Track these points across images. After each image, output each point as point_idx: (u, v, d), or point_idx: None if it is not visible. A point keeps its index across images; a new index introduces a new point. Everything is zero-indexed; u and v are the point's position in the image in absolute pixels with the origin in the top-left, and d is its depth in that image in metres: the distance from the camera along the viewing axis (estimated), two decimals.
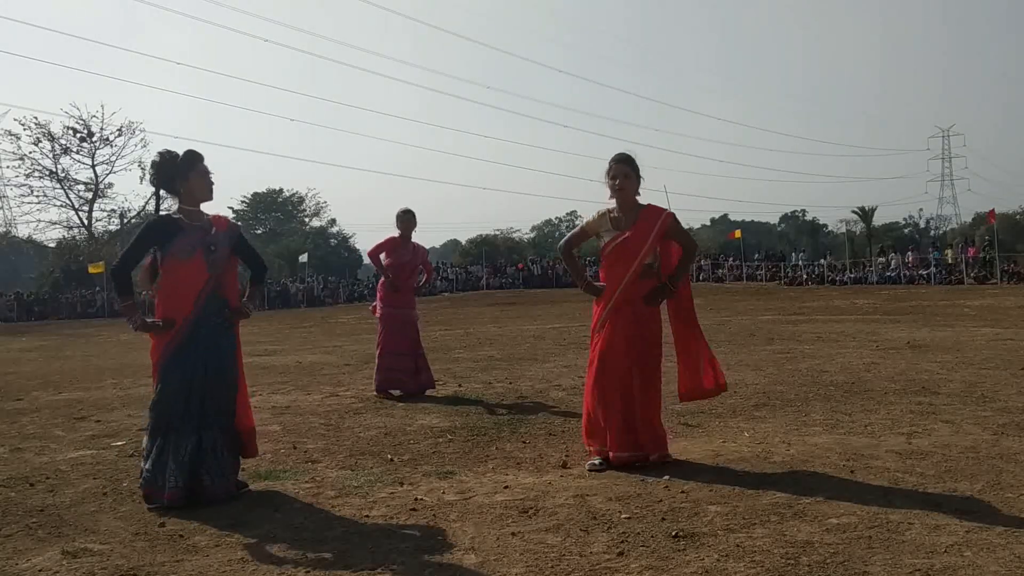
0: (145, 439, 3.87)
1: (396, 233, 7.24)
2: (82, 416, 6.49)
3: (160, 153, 3.96)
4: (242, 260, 4.16)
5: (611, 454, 4.15)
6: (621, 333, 4.20)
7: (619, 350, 4.18)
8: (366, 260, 7.66)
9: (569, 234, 4.60)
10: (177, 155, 3.94)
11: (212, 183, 3.99)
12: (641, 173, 4.33)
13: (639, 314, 4.21)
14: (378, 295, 7.34)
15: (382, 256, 7.27)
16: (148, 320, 3.86)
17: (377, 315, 7.24)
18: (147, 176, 4.41)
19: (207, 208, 4.05)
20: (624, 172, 4.25)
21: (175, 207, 3.99)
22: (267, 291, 36.17)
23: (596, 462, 4.18)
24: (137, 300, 4.01)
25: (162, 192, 4.04)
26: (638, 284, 4.23)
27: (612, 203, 4.34)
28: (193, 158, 3.94)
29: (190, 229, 3.89)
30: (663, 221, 4.25)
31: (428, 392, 7.04)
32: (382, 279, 7.36)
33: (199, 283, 3.86)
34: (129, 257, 3.90)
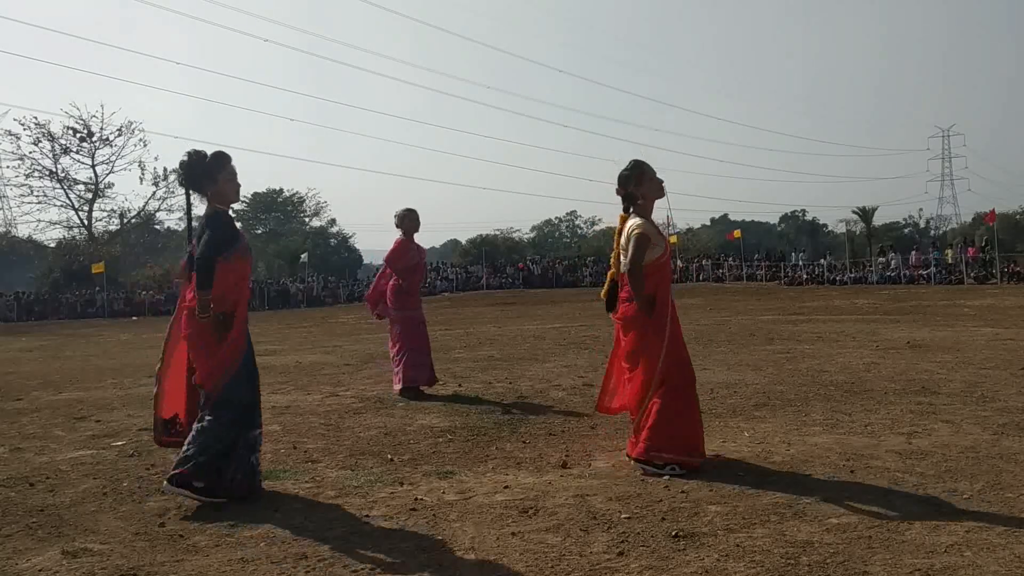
0: (218, 431, 3.78)
1: (401, 234, 7.15)
2: (82, 416, 6.49)
3: (188, 153, 3.91)
4: None
5: (701, 456, 4.08)
6: (682, 341, 4.24)
7: (687, 357, 4.23)
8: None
9: (638, 251, 4.06)
10: (205, 155, 3.90)
11: (240, 185, 3.98)
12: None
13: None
14: (389, 298, 7.14)
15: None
16: (219, 316, 3.80)
17: (387, 318, 7.13)
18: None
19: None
20: None
21: (204, 207, 3.96)
22: (267, 291, 36.21)
23: (679, 469, 3.97)
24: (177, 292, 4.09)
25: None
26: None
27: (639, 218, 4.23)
28: (223, 159, 3.92)
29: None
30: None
31: (426, 390, 7.02)
32: (392, 282, 7.20)
33: (250, 282, 4.03)
34: (219, 247, 3.79)
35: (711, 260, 40.77)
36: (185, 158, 3.92)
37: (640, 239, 4.06)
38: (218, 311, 3.80)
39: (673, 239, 42.62)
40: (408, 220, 7.13)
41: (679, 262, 39.84)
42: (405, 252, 7.13)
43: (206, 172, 3.88)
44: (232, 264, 3.86)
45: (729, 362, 8.37)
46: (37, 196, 43.39)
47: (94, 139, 42.86)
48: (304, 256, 40.02)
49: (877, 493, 3.56)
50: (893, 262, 32.29)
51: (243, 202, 65.53)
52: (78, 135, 42.47)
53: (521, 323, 16.56)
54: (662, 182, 4.25)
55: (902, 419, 5.12)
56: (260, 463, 3.94)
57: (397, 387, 6.94)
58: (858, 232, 55.21)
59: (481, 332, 14.61)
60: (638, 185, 4.19)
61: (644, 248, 4.06)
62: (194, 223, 4.02)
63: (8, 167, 44.13)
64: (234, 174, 3.94)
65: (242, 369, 3.86)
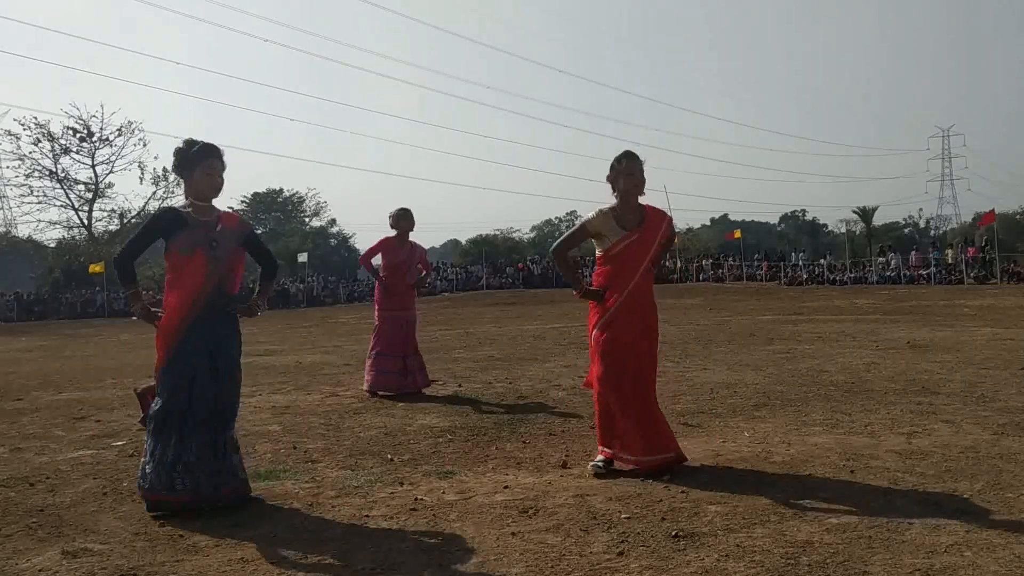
0: (148, 439, 3.76)
1: (392, 233, 7.21)
2: (82, 416, 6.49)
3: (184, 141, 3.86)
4: (254, 258, 4.09)
5: (634, 458, 4.02)
6: (633, 333, 4.14)
7: (633, 349, 4.12)
8: None
9: (566, 234, 4.43)
10: (195, 144, 3.84)
11: (218, 182, 3.87)
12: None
13: (645, 313, 4.20)
14: (375, 298, 7.32)
15: (378, 257, 7.24)
16: (152, 310, 3.82)
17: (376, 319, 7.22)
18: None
19: (220, 203, 3.98)
20: (642, 169, 4.23)
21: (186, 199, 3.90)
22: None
23: (600, 462, 4.11)
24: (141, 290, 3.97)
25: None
26: (643, 287, 4.21)
27: (611, 202, 4.29)
28: (202, 153, 3.82)
29: (194, 224, 3.80)
30: (667, 226, 4.28)
31: (425, 391, 7.04)
32: (377, 281, 7.31)
33: (199, 281, 3.78)
34: (133, 247, 3.85)
35: (711, 260, 40.75)
36: (180, 144, 3.87)
37: (580, 225, 4.30)
38: (165, 306, 3.79)
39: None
40: (402, 220, 7.16)
41: (679, 262, 39.84)
42: (386, 249, 7.19)
43: (186, 161, 3.83)
44: (170, 261, 3.81)
45: (729, 362, 8.37)
46: (37, 196, 43.28)
47: (94, 139, 42.75)
48: (304, 256, 39.99)
49: (877, 493, 3.56)
50: (893, 262, 32.29)
51: (243, 202, 65.70)
52: (78, 135, 42.38)
53: (521, 323, 16.55)
54: (633, 179, 4.17)
55: (902, 419, 5.12)
56: (227, 475, 3.73)
57: (364, 387, 7.05)
58: (858, 232, 55.17)
59: (481, 332, 14.61)
60: (614, 176, 4.22)
61: (576, 235, 4.35)
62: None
63: (8, 167, 44.07)
64: (214, 169, 3.83)
65: (175, 361, 3.73)
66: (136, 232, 3.89)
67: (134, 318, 3.88)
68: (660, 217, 4.28)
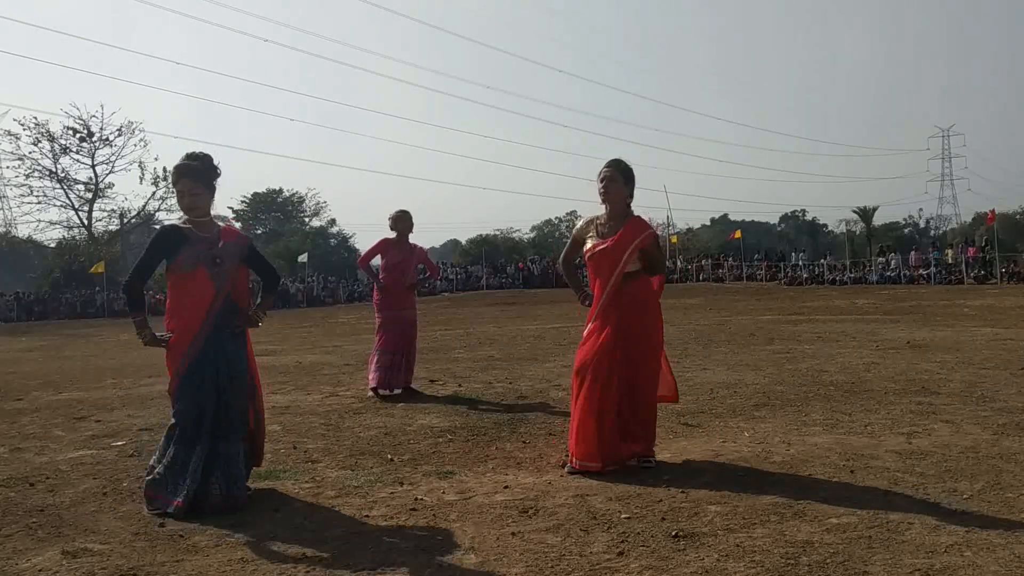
0: (163, 440, 3.78)
1: (391, 235, 7.24)
2: (82, 416, 6.49)
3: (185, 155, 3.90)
4: (255, 272, 4.09)
5: (568, 458, 4.14)
6: (606, 340, 4.12)
7: (602, 358, 4.09)
8: None
9: (565, 248, 4.58)
10: (179, 163, 3.86)
11: (191, 202, 3.81)
12: (634, 180, 4.29)
13: (624, 319, 4.15)
14: (374, 299, 7.35)
15: (377, 259, 7.28)
16: (157, 335, 3.78)
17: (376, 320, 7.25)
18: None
19: (219, 203, 4.00)
20: (610, 176, 4.20)
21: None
22: None
23: (571, 469, 4.12)
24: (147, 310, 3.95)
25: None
26: (622, 290, 4.18)
27: (602, 209, 4.30)
28: (174, 175, 3.85)
29: (196, 240, 3.78)
30: (643, 238, 4.21)
31: (426, 391, 7.04)
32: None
33: (206, 298, 3.76)
34: (141, 269, 3.83)
35: (711, 260, 40.76)
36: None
37: (572, 234, 4.50)
38: (169, 330, 3.77)
39: (673, 239, 42.62)
40: (400, 222, 7.20)
41: (679, 262, 39.83)
42: (384, 250, 7.22)
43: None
44: (172, 280, 3.80)
45: (729, 362, 8.37)
46: (37, 196, 43.44)
47: (94, 139, 42.86)
48: (304, 256, 39.98)
49: (877, 493, 3.56)
50: (893, 262, 32.29)
51: (243, 202, 65.78)
52: (78, 135, 42.47)
53: (521, 323, 16.55)
54: (601, 186, 4.23)
55: (902, 419, 5.12)
56: (225, 483, 3.71)
57: (370, 387, 7.03)
58: (858, 232, 55.14)
59: (481, 332, 14.61)
60: (598, 183, 4.31)
61: (571, 244, 4.49)
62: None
63: (8, 167, 44.17)
64: (183, 190, 3.81)
65: (188, 379, 3.73)
66: (141, 256, 3.86)
67: (142, 343, 3.84)
68: (638, 228, 4.23)
